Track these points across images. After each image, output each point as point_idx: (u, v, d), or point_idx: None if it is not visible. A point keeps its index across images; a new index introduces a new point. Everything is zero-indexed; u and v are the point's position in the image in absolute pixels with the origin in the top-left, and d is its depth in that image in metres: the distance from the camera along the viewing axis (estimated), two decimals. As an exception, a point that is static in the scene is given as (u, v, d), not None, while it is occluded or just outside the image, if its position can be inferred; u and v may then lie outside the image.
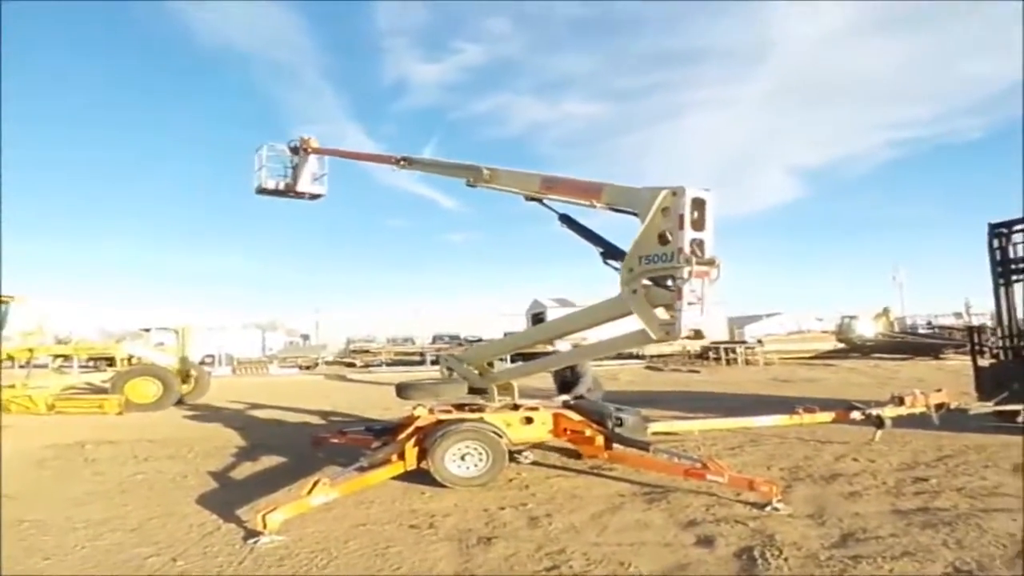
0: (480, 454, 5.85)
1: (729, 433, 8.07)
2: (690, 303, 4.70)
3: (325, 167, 11.23)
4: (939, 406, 7.45)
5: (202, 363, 22.25)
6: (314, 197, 11.38)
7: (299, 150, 10.92)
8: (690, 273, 4.66)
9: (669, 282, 4.86)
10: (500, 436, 5.98)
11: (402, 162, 8.20)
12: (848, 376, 18.39)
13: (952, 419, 7.61)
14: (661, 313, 4.96)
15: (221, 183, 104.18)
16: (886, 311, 37.47)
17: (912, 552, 3.93)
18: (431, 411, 6.32)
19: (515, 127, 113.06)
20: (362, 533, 4.61)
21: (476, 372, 7.06)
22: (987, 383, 8.52)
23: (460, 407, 6.53)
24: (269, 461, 7.35)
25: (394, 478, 5.83)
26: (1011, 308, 8.73)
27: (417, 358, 32.23)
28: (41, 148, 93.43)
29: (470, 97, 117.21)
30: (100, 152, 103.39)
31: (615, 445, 6.13)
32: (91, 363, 24.62)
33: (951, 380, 12.51)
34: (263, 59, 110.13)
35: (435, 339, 40.33)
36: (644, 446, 5.94)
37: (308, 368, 30.87)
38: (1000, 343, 8.94)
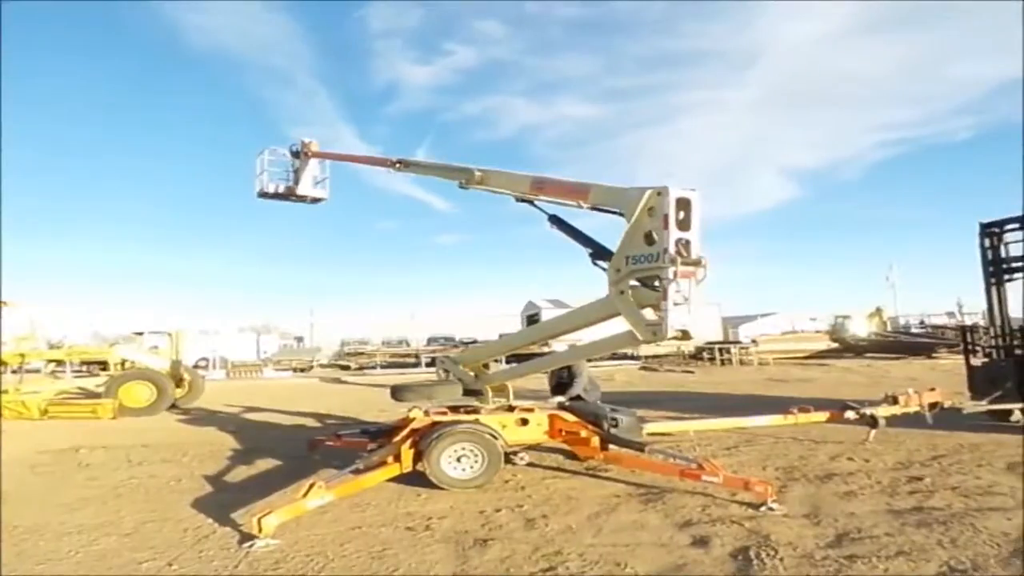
0: (476, 456, 5.85)
1: (724, 433, 8.09)
2: (676, 303, 4.69)
3: (326, 171, 11.24)
4: (932, 405, 7.48)
5: (196, 367, 22.18)
6: (315, 201, 11.37)
7: (300, 154, 10.93)
8: (675, 273, 4.65)
9: (656, 283, 4.85)
10: (496, 438, 5.98)
11: (398, 164, 8.24)
12: (842, 376, 18.47)
13: (946, 418, 7.64)
14: (649, 314, 4.96)
15: (215, 186, 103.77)
16: (879, 311, 37.68)
17: (907, 551, 3.95)
18: (426, 413, 6.32)
19: (508, 129, 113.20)
20: (358, 536, 4.60)
21: (472, 374, 7.06)
22: (980, 382, 8.57)
23: (456, 409, 6.52)
24: (264, 464, 7.32)
25: (390, 480, 5.82)
26: (1003, 307, 8.80)
27: (412, 360, 32.18)
28: (33, 151, 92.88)
29: (462, 99, 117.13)
30: (93, 155, 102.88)
31: (611, 446, 6.14)
32: (84, 367, 24.53)
33: (944, 379, 12.56)
34: (256, 61, 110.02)
35: (430, 341, 40.26)
36: (639, 447, 5.95)
37: (303, 371, 30.79)
38: (992, 342, 9.00)
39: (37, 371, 20.34)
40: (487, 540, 4.43)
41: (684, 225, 4.83)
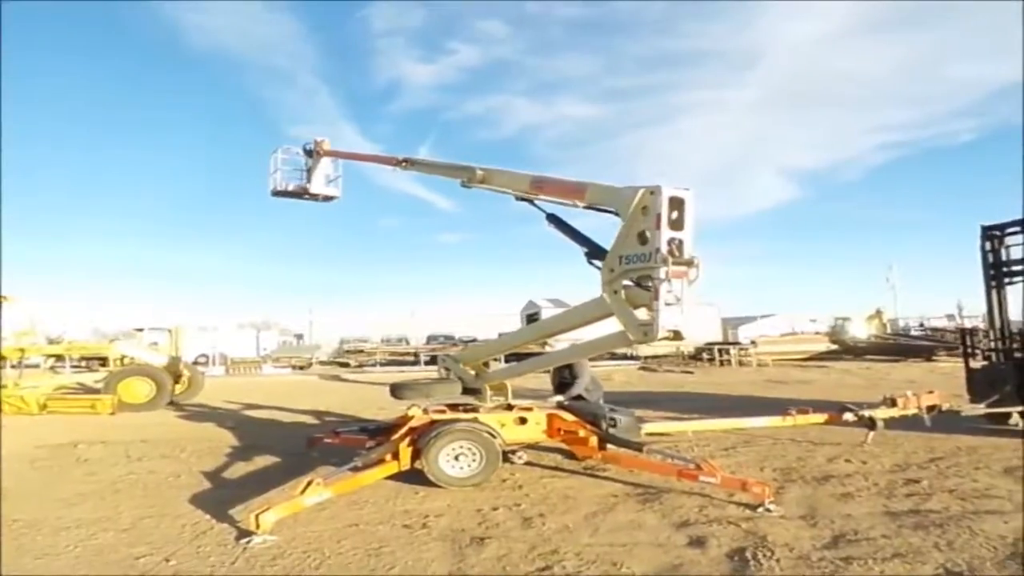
0: (474, 454, 5.86)
1: (722, 434, 8.09)
2: (668, 304, 4.65)
3: (339, 169, 11.27)
4: (931, 408, 7.49)
5: (196, 363, 22.21)
6: (328, 199, 11.41)
7: (312, 153, 10.96)
8: (667, 273, 4.62)
9: (649, 283, 4.81)
10: (494, 436, 5.99)
11: (404, 163, 8.28)
12: (841, 377, 18.47)
13: (944, 421, 7.65)
14: (642, 314, 4.92)
15: (215, 183, 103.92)
16: (879, 313, 37.64)
17: (903, 554, 3.95)
18: (425, 411, 6.32)
19: (509, 128, 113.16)
20: (355, 533, 4.61)
21: (473, 373, 7.07)
22: (979, 385, 8.56)
23: (454, 407, 6.53)
24: (263, 461, 7.33)
25: (388, 478, 5.82)
26: (1003, 310, 8.79)
27: (411, 358, 32.19)
28: (33, 148, 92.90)
29: (465, 98, 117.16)
30: (93, 152, 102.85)
31: (609, 446, 6.14)
32: (84, 363, 24.53)
33: (943, 382, 12.57)
34: (257, 59, 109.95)
35: (429, 339, 40.26)
36: (638, 447, 5.96)
37: (302, 368, 30.80)
38: (992, 345, 9.00)
39: (36, 366, 20.35)
40: (484, 538, 4.44)
41: (677, 225, 4.79)
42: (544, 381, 8.35)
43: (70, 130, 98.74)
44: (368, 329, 47.94)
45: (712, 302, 40.34)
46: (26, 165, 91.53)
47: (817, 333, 33.34)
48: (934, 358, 23.72)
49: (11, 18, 70.61)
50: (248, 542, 4.35)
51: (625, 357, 26.47)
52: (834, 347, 28.68)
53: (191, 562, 4.09)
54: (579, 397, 7.30)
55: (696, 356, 26.99)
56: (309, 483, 4.90)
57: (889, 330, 36.16)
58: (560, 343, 7.42)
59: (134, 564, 4.08)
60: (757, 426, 7.57)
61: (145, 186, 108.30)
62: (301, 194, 11.22)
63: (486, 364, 7.27)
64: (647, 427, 7.21)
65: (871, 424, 7.18)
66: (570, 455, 6.82)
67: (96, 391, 13.58)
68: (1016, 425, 7.89)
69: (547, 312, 36.18)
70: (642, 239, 4.88)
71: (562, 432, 6.43)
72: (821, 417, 7.38)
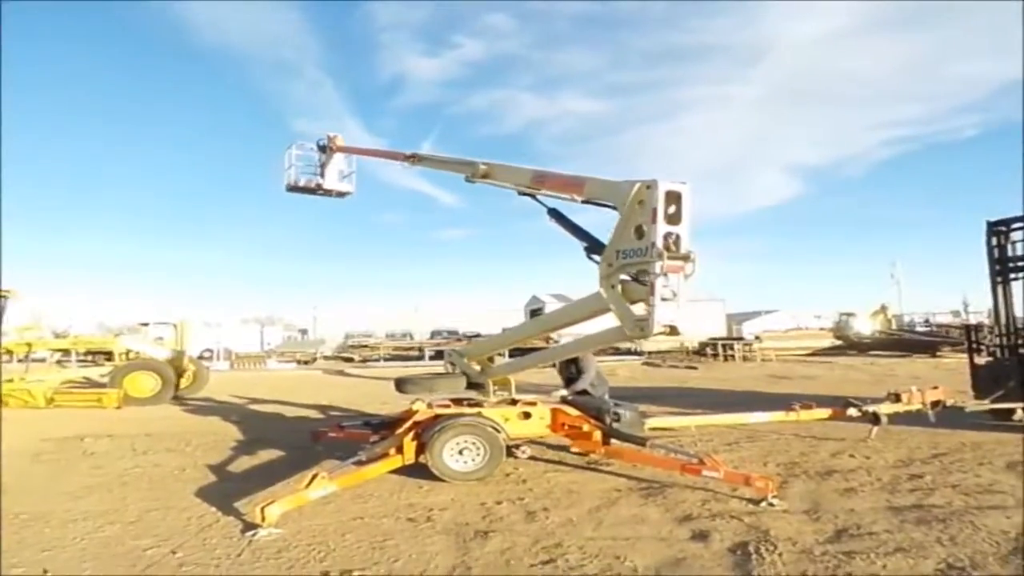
0: (478, 448, 5.87)
1: (726, 429, 8.09)
2: (664, 299, 4.63)
3: (353, 165, 11.24)
4: (935, 403, 7.48)
5: (201, 357, 22.30)
6: (341, 195, 11.41)
7: (326, 148, 10.97)
8: (663, 268, 4.60)
9: (646, 277, 4.79)
10: (498, 431, 6.00)
11: (412, 159, 8.29)
12: (845, 373, 18.44)
13: (948, 416, 7.63)
14: (639, 309, 4.90)
15: (220, 177, 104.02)
16: (883, 308, 37.65)
17: (905, 548, 3.96)
18: (429, 406, 6.34)
19: (514, 123, 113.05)
20: (360, 526, 4.63)
21: (478, 367, 7.09)
22: (983, 381, 8.55)
23: (459, 402, 6.55)
24: (267, 455, 7.37)
25: (392, 472, 5.84)
26: (1008, 306, 8.77)
27: (415, 353, 32.27)
28: (39, 142, 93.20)
29: (469, 92, 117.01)
30: (98, 146, 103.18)
31: (612, 440, 6.15)
32: (90, 357, 24.68)
33: (948, 378, 12.55)
34: (262, 54, 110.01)
35: (433, 334, 40.37)
36: (641, 441, 5.97)
37: (306, 363, 30.88)
38: (997, 341, 8.98)
39: (43, 360, 20.48)
40: (488, 532, 4.46)
41: (674, 219, 4.77)
42: (547, 376, 8.36)
43: (74, 123, 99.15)
44: (372, 324, 48.07)
45: (717, 297, 40.33)
46: (33, 158, 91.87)
47: (821, 329, 33.33)
48: (939, 354, 23.66)
49: (15, 10, 70.70)
50: (253, 535, 4.38)
51: (629, 352, 26.48)
52: (838, 343, 28.67)
53: (197, 554, 4.12)
54: (585, 392, 7.32)
55: (700, 351, 26.99)
56: (314, 477, 4.93)
57: (894, 326, 36.10)
58: (565, 338, 7.41)
59: (141, 556, 4.11)
60: (761, 421, 7.57)
61: (150, 180, 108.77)
62: (315, 190, 11.23)
63: (491, 359, 7.28)
64: (651, 422, 7.22)
65: (875, 419, 7.17)
66: (578, 453, 6.83)
67: (102, 385, 13.65)
68: (1020, 421, 7.89)
69: (551, 307, 36.27)
70: (639, 234, 4.87)
71: (566, 427, 6.44)
72: (825, 412, 7.39)
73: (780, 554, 3.89)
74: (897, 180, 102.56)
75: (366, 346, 34.91)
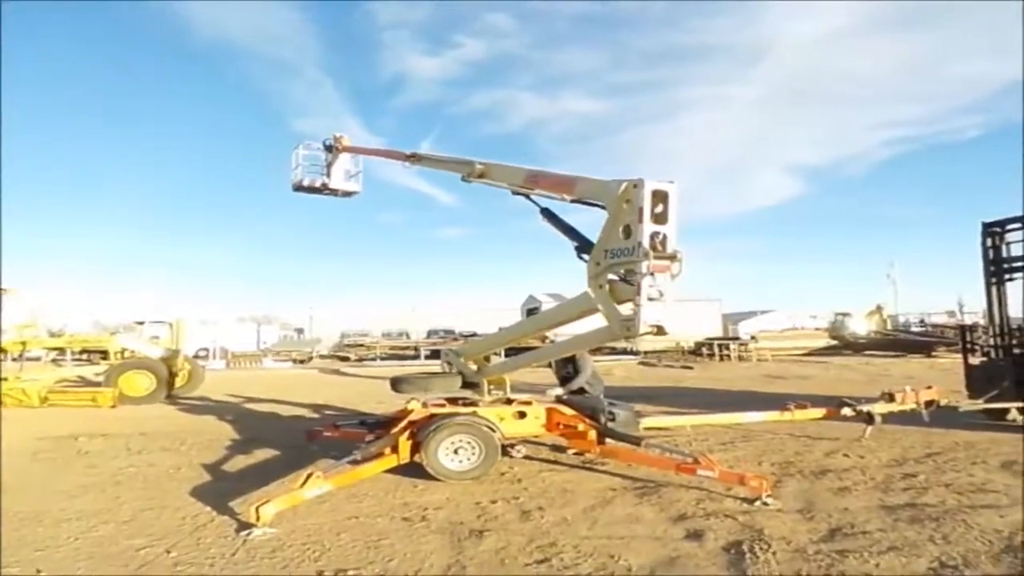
0: (473, 448, 5.88)
1: (721, 429, 8.11)
2: (650, 298, 4.64)
3: (359, 165, 11.28)
4: (929, 403, 7.50)
5: (196, 356, 22.22)
6: (347, 194, 11.43)
7: (332, 148, 10.98)
8: (649, 267, 4.60)
9: (633, 277, 4.79)
10: (493, 430, 6.01)
11: (412, 158, 8.31)
12: (840, 373, 18.50)
13: (942, 416, 7.66)
14: (627, 309, 4.90)
15: (218, 175, 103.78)
16: (879, 309, 37.68)
17: (899, 547, 3.97)
18: (424, 405, 6.34)
19: (515, 123, 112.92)
20: (354, 525, 4.63)
21: (474, 367, 7.09)
22: (977, 381, 8.59)
23: (454, 401, 6.55)
24: (262, 454, 7.36)
25: (387, 471, 5.84)
26: (1003, 307, 8.81)
27: (412, 353, 32.23)
28: (35, 139, 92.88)
29: (470, 92, 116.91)
30: (99, 145, 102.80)
31: (607, 440, 6.16)
32: (85, 356, 24.60)
33: (942, 378, 12.59)
34: (262, 53, 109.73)
35: (430, 334, 40.28)
36: (636, 441, 5.98)
37: (302, 362, 30.83)
38: (991, 341, 9.01)
39: (38, 359, 20.40)
40: (482, 531, 4.47)
41: (661, 219, 4.77)
42: (543, 375, 8.37)
43: (73, 120, 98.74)
44: (369, 323, 47.91)
45: (714, 297, 40.39)
46: (29, 155, 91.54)
47: (817, 329, 33.40)
48: (934, 354, 23.76)
49: (15, 10, 70.43)
50: (248, 534, 4.37)
51: (625, 352, 26.51)
52: (834, 343, 28.74)
53: (191, 554, 4.11)
54: (581, 391, 7.32)
55: (696, 351, 27.03)
56: (309, 476, 4.92)
57: (889, 326, 36.20)
58: (560, 337, 7.41)
59: (135, 556, 4.10)
60: (755, 421, 7.59)
61: (148, 178, 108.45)
62: (321, 189, 11.25)
63: (487, 358, 7.29)
64: (646, 421, 7.23)
65: (869, 419, 7.19)
66: (576, 452, 6.84)
67: (97, 384, 13.60)
68: (1014, 421, 7.93)
69: (547, 306, 36.22)
70: (627, 233, 4.88)
71: (561, 426, 6.45)
72: (820, 412, 7.41)
73: (774, 553, 3.90)
74: (896, 180, 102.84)
75: (362, 345, 34.85)
